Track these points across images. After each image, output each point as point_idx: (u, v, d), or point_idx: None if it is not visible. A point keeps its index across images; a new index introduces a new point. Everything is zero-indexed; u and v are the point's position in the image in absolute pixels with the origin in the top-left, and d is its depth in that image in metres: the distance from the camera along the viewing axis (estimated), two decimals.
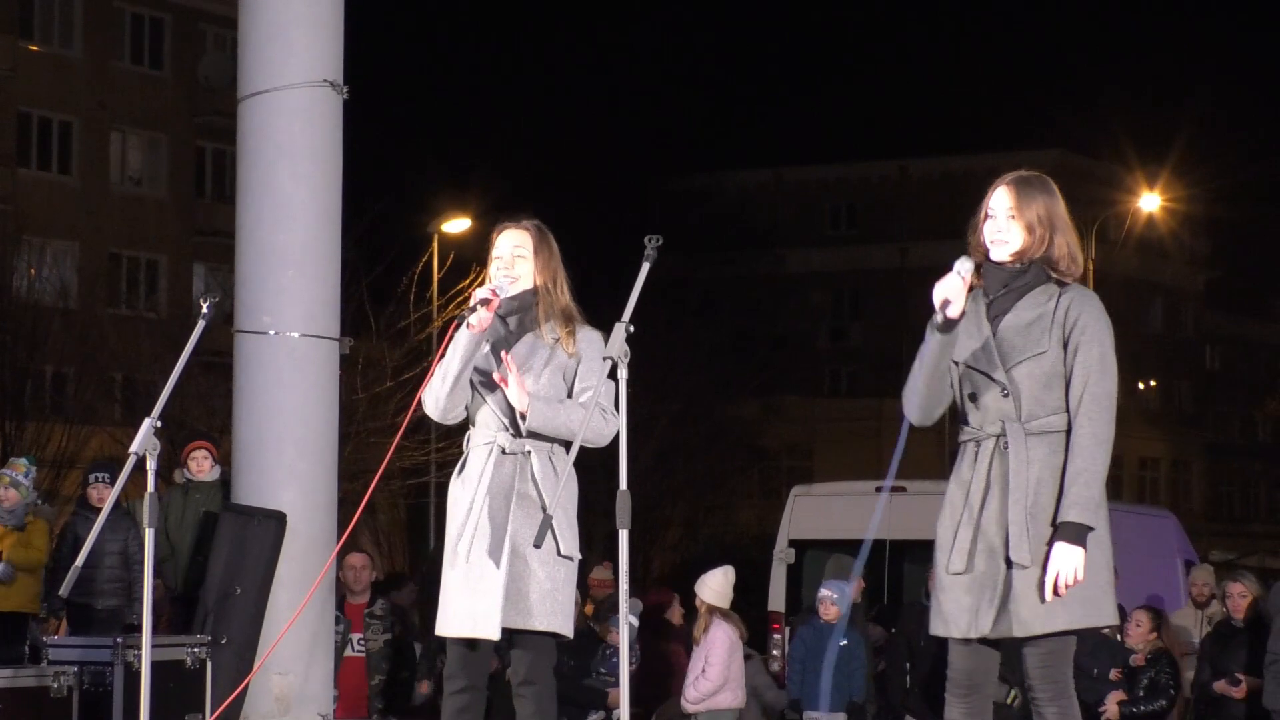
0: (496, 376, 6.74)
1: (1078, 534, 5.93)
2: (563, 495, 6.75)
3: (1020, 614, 5.96)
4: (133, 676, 9.45)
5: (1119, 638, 13.10)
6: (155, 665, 7.84)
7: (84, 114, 40.14)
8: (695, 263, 45.86)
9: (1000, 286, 6.16)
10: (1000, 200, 6.21)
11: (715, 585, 12.80)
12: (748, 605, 17.31)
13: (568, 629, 6.87)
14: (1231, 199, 56.17)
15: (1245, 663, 12.20)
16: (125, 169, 41.53)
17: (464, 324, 6.75)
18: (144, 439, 7.02)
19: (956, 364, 6.15)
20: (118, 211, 40.16)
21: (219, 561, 10.82)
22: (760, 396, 45.08)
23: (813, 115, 69.05)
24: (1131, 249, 54.89)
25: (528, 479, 6.83)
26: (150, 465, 7.10)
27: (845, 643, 13.55)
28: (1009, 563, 5.98)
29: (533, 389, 6.81)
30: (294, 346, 10.73)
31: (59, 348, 30.04)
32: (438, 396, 6.87)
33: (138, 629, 8.40)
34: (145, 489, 7.22)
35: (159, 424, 7.09)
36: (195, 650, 10.20)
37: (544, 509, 6.72)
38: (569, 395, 6.90)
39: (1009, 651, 6.14)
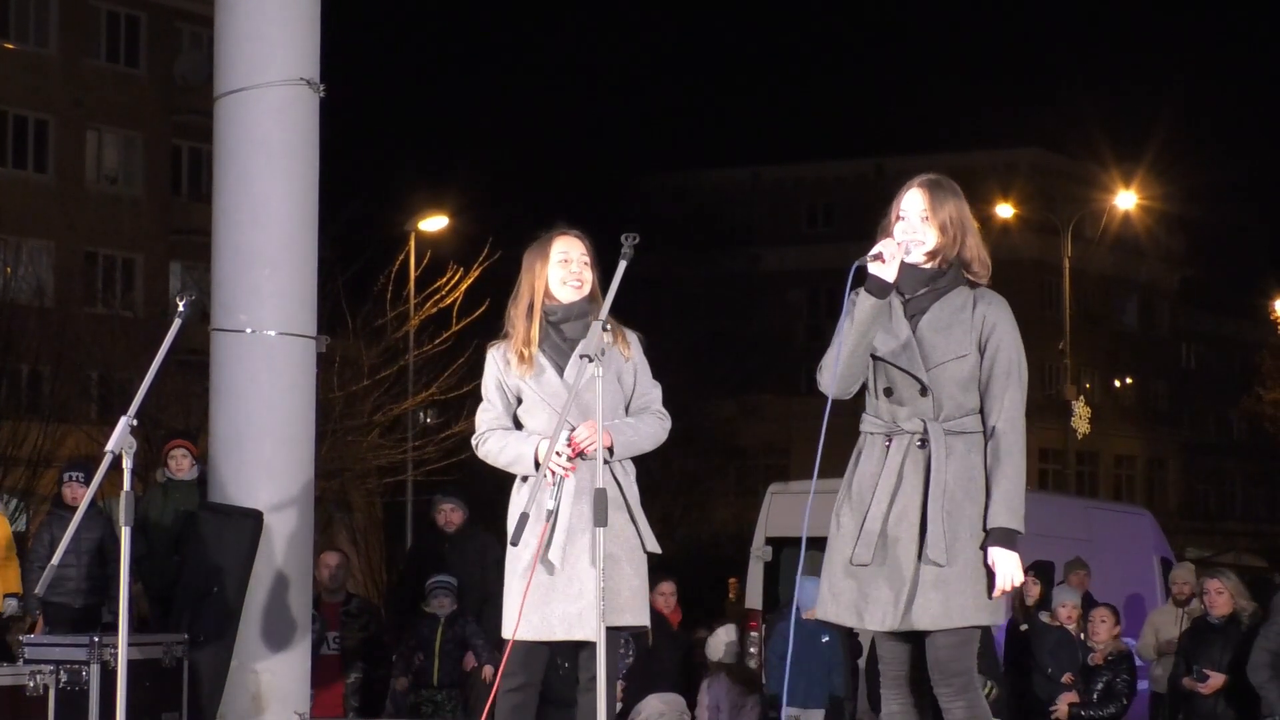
0: (558, 466, 6.77)
1: (1009, 538, 6.08)
2: (632, 493, 6.94)
3: (930, 608, 6.07)
4: (109, 675, 9.44)
5: (1082, 636, 13.14)
6: (132, 664, 7.82)
7: (59, 112, 40.02)
8: (672, 261, 45.83)
9: (919, 286, 6.23)
10: (913, 202, 6.26)
11: (719, 645, 13.49)
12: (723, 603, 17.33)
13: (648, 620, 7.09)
14: (1207, 198, 56.32)
15: (1219, 659, 12.23)
16: (101, 167, 41.40)
17: (546, 468, 6.83)
18: (120, 437, 7.01)
19: (875, 357, 6.22)
20: (93, 210, 40.03)
21: (196, 560, 10.81)
22: (737, 395, 45.11)
23: (790, 114, 69.15)
24: (1107, 247, 54.94)
25: (608, 480, 6.81)
26: (126, 464, 7.09)
27: (827, 639, 13.59)
28: (919, 558, 6.07)
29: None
30: (270, 345, 10.72)
31: (34, 346, 29.94)
32: (494, 462, 7.05)
33: (114, 627, 8.40)
34: (121, 487, 7.21)
35: (135, 422, 7.08)
36: (172, 649, 10.18)
37: (626, 507, 6.88)
38: (628, 399, 7.03)
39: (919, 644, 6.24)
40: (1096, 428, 44.22)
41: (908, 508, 6.11)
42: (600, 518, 6.47)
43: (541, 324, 7.00)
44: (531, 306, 7.02)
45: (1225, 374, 62.60)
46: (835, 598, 6.21)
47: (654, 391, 7.04)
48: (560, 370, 6.95)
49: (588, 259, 7.06)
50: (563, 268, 7.01)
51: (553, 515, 6.74)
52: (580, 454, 6.82)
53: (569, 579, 6.79)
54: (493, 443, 7.00)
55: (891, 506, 6.13)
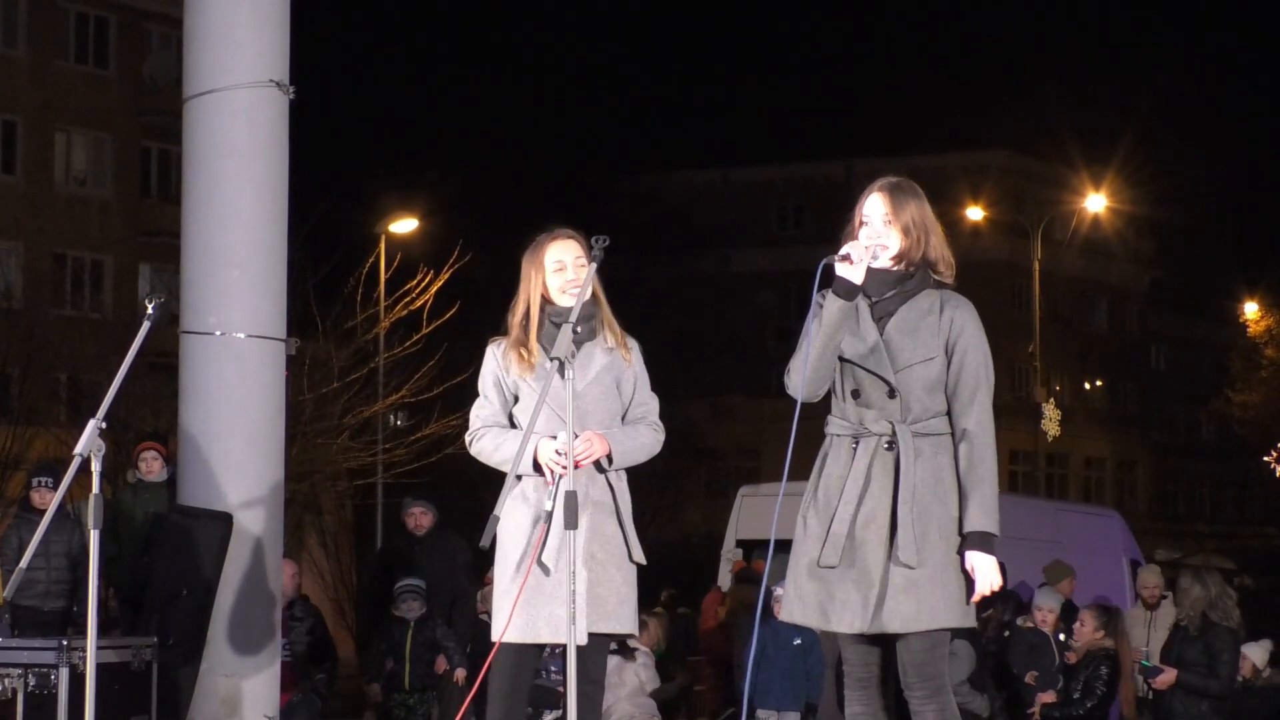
0: (557, 466, 6.72)
1: (987, 541, 6.09)
2: (625, 502, 6.91)
3: (901, 610, 6.06)
4: (78, 678, 9.40)
5: (1061, 636, 13.14)
6: (100, 667, 7.79)
7: (28, 113, 39.90)
8: (642, 263, 45.86)
9: (886, 289, 6.23)
10: (875, 206, 6.27)
11: None
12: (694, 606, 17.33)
13: (637, 629, 7.12)
14: (1176, 201, 56.50)
15: (1196, 662, 12.16)
16: (70, 169, 41.28)
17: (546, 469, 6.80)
18: (89, 440, 6.98)
19: (842, 359, 6.22)
20: (62, 211, 39.91)
21: (165, 563, 10.78)
22: (708, 397, 45.15)
23: (760, 115, 69.13)
24: (1077, 249, 55.14)
25: (602, 487, 6.86)
26: (95, 466, 7.06)
27: (799, 641, 13.59)
28: (888, 560, 6.06)
29: (598, 395, 6.86)
30: (240, 347, 10.70)
31: (3, 348, 29.84)
32: (487, 459, 7.01)
33: (83, 630, 8.37)
34: (90, 490, 7.18)
35: (104, 425, 7.05)
36: (141, 652, 10.15)
37: (617, 516, 6.86)
38: (626, 407, 6.98)
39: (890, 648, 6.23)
40: (1066, 430, 44.29)
41: (876, 510, 6.10)
42: (570, 520, 6.44)
43: (545, 326, 6.92)
44: (529, 314, 6.95)
45: (1195, 376, 62.82)
46: (801, 600, 6.20)
47: (652, 403, 7.01)
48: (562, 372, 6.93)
49: (583, 260, 6.95)
50: (559, 275, 6.95)
51: (549, 517, 6.72)
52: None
53: (557, 582, 6.75)
54: (487, 440, 6.97)
55: (859, 509, 6.11)
